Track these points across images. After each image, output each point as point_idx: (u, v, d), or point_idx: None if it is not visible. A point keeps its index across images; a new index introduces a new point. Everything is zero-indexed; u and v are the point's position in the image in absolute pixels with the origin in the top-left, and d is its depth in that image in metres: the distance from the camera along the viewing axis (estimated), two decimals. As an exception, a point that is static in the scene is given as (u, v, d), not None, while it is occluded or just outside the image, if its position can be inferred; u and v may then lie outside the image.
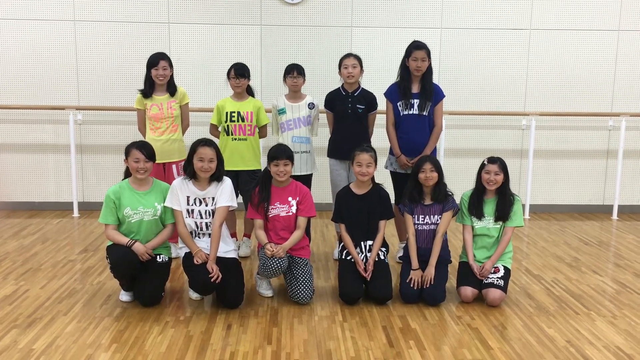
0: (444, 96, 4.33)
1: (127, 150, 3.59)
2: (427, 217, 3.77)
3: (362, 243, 3.80)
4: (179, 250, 4.22)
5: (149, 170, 3.60)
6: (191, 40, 6.05)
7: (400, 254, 4.37)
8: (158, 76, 4.40)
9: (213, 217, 3.62)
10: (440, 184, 3.76)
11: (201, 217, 3.63)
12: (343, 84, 4.49)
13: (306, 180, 4.42)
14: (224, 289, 3.53)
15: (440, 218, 3.75)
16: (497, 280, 3.64)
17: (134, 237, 3.58)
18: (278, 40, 6.07)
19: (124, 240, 3.52)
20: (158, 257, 3.64)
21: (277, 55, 6.05)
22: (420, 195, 3.80)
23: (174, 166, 4.51)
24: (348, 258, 3.80)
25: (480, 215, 3.76)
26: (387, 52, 5.98)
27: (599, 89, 6.26)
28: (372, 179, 3.85)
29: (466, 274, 3.74)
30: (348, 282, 3.67)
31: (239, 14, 6.04)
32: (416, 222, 3.79)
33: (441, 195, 3.76)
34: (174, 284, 3.96)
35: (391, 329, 3.27)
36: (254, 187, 3.80)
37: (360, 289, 3.67)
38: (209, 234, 3.63)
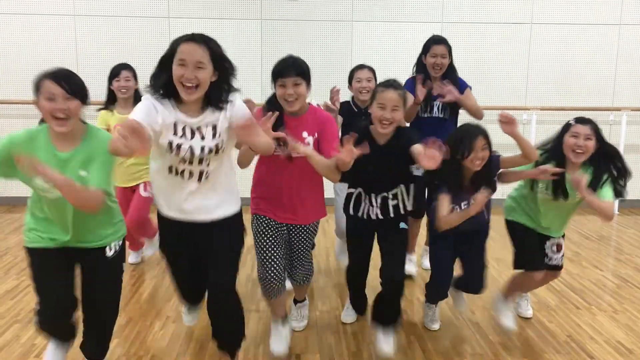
0: (467, 86, 3.99)
1: (37, 85, 2.22)
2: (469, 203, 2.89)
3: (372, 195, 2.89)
4: (146, 252, 4.16)
5: (72, 116, 2.22)
6: (191, 35, 6.02)
7: (426, 260, 3.79)
8: (120, 88, 3.83)
9: (214, 160, 2.36)
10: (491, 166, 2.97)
11: (191, 159, 2.31)
12: (353, 97, 3.86)
13: None
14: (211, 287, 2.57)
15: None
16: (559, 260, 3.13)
17: (55, 226, 2.33)
18: (278, 34, 6.05)
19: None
20: (107, 248, 2.41)
21: (278, 49, 6.02)
22: (461, 181, 2.91)
23: (141, 185, 3.88)
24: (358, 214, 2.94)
25: (565, 196, 2.88)
26: (388, 47, 5.95)
27: (600, 84, 6.25)
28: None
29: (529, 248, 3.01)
30: (351, 255, 3.09)
31: (239, 8, 6.01)
32: (455, 206, 2.90)
33: (487, 180, 2.92)
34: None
35: (392, 324, 3.28)
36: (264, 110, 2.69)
37: (367, 265, 3.09)
38: (201, 192, 2.39)
